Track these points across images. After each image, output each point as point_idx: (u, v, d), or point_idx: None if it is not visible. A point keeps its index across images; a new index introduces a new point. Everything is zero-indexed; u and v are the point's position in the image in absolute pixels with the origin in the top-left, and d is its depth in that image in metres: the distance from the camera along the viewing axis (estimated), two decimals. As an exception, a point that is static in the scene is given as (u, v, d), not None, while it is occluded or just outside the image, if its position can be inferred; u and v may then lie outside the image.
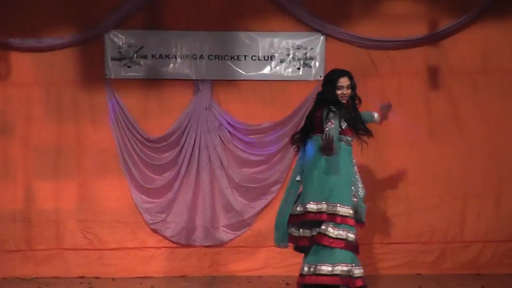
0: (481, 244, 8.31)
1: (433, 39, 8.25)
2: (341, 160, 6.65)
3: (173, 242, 8.23)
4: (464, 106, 8.35)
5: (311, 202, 6.63)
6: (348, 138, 6.74)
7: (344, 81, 6.69)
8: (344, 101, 6.69)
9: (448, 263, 8.28)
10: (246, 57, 8.27)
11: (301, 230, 6.73)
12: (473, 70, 8.35)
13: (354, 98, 6.80)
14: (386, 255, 8.26)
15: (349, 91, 6.71)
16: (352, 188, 6.68)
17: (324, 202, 6.60)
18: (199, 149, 8.22)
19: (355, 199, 6.67)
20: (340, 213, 6.57)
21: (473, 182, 8.36)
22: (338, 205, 6.58)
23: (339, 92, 6.65)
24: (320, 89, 6.91)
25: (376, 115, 7.15)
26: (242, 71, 8.28)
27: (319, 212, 6.61)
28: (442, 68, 8.32)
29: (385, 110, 7.11)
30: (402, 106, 8.19)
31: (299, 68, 8.31)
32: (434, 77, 8.30)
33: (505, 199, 8.37)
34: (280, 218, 6.83)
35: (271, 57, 8.29)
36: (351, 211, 6.60)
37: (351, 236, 6.58)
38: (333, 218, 6.57)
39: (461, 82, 8.35)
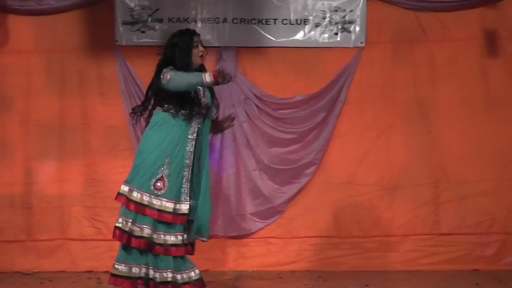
0: (551, 235, 7.84)
1: (491, -1, 7.79)
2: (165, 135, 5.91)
3: (192, 232, 7.85)
4: (527, 75, 7.87)
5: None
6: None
7: (197, 38, 6.03)
8: (202, 62, 6.03)
9: (510, 257, 7.80)
10: (276, 21, 7.77)
11: None
12: (538, 34, 7.86)
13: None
14: (437, 248, 7.75)
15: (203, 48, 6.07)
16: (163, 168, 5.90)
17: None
18: (223, 126, 7.84)
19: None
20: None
21: (539, 163, 7.86)
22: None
23: (195, 51, 5.96)
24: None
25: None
26: (271, 37, 7.77)
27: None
28: (501, 32, 7.80)
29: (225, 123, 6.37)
30: (455, 76, 7.79)
31: (336, 34, 7.79)
32: (491, 42, 7.78)
33: None
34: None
35: (305, 21, 7.79)
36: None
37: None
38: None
39: (523, 48, 7.84)
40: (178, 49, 5.92)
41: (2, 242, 7.68)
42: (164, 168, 5.85)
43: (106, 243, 7.65)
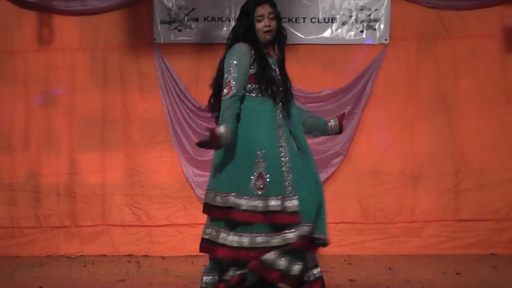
0: None
1: (510, -3, 7.78)
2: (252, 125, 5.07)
3: (226, 218, 7.84)
4: (545, 70, 7.81)
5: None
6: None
7: (264, 9, 4.95)
8: (268, 37, 4.98)
9: (526, 242, 7.71)
10: (305, 19, 7.83)
11: None
12: (556, 30, 7.80)
13: (282, 37, 5.11)
14: (457, 233, 7.77)
15: (274, 22, 4.98)
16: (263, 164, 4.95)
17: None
18: (255, 118, 7.75)
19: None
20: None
21: (558, 153, 7.82)
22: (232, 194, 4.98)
23: (260, 25, 4.95)
24: None
25: (332, 122, 5.39)
26: (301, 35, 7.83)
27: None
28: (520, 29, 7.80)
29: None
30: (476, 71, 7.80)
31: (362, 31, 7.84)
32: (510, 39, 7.77)
33: None
34: None
35: (332, 19, 7.84)
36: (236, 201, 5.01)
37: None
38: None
39: (542, 44, 7.81)
40: (241, 23, 4.99)
41: (48, 228, 7.78)
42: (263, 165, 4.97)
43: (145, 229, 7.79)
